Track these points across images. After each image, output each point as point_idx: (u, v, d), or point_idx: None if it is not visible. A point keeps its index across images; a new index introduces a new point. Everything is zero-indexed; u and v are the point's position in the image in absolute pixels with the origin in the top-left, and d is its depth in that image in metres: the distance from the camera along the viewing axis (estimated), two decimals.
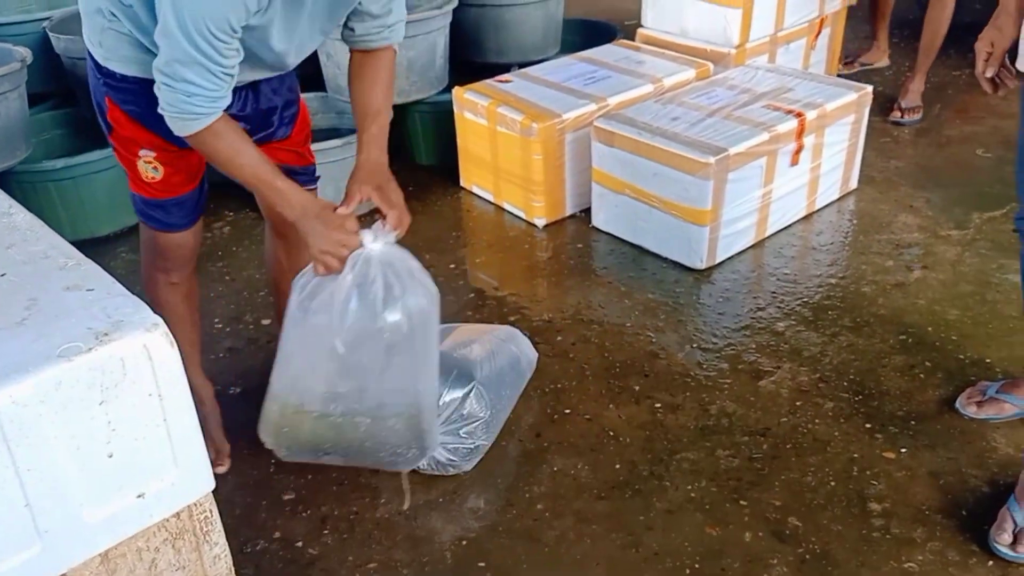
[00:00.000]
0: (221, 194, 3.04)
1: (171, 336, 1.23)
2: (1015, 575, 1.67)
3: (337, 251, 1.56)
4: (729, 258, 2.71)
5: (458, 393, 1.88)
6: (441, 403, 1.86)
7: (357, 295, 1.55)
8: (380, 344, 1.58)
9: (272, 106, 1.77)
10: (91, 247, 2.70)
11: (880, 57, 4.13)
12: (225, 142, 1.54)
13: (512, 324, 2.42)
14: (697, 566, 1.72)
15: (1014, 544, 1.68)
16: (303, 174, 1.89)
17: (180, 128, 1.50)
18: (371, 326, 1.56)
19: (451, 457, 1.89)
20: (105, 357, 1.17)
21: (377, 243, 1.58)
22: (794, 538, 1.77)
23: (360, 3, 1.62)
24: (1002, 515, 1.73)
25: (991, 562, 1.70)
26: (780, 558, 1.72)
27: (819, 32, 3.65)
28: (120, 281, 1.29)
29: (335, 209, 1.61)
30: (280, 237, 2.05)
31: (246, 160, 1.56)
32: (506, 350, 2.08)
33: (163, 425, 1.27)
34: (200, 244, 1.89)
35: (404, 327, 1.58)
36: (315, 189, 1.96)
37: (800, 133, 2.71)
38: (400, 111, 3.18)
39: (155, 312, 1.24)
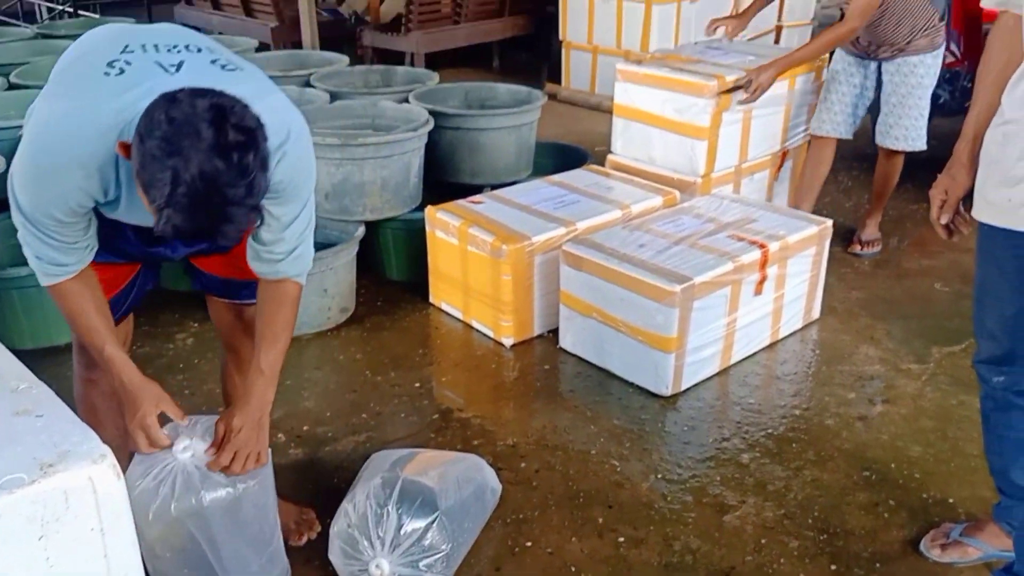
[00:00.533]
0: (186, 303, 3.03)
1: (118, 467, 1.19)
2: None
3: (136, 436, 1.57)
4: (695, 385, 2.72)
5: (420, 523, 1.83)
6: (402, 533, 1.81)
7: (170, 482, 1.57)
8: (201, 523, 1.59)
9: None
10: (50, 356, 2.67)
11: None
12: (68, 302, 1.59)
13: (476, 448, 2.38)
14: None
15: None
16: (245, 288, 1.83)
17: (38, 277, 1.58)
18: (187, 508, 1.57)
19: None
20: (48, 490, 1.12)
21: (186, 454, 1.59)
22: None
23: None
24: None
25: None
26: None
27: (781, 165, 3.79)
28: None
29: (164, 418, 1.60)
30: (231, 351, 2.02)
31: (82, 323, 1.61)
32: (471, 480, 2.04)
33: (103, 561, 1.21)
34: (126, 344, 1.84)
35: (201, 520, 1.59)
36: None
37: (764, 264, 2.77)
38: (373, 227, 3.22)
39: (78, 414, 1.23)
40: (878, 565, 2.02)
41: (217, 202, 1.25)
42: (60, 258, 1.53)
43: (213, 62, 1.48)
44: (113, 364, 1.60)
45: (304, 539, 2.05)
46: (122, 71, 1.41)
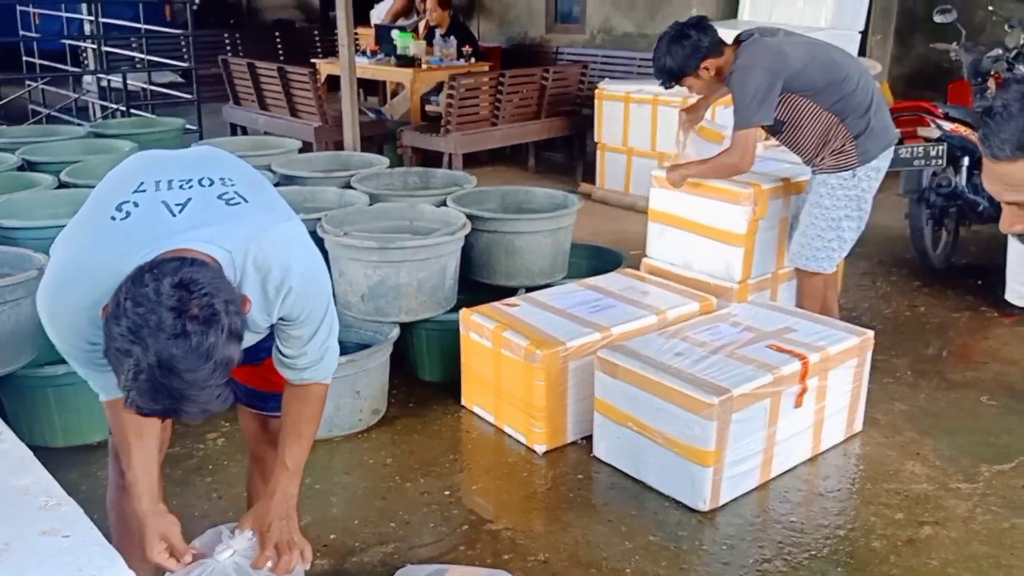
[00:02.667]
0: None
1: None
2: None
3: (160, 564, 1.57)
4: (733, 500, 2.63)
5: None
6: None
7: None
8: None
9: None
10: (82, 454, 2.67)
11: None
12: (112, 416, 1.61)
13: (506, 562, 2.31)
14: None
15: None
16: (272, 399, 1.84)
17: None
18: None
19: None
20: None
21: (226, 554, 1.59)
22: None
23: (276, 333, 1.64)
24: None
25: None
26: None
27: None
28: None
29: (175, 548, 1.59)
30: (256, 459, 2.02)
31: (119, 439, 1.63)
32: None
33: None
34: (165, 446, 1.83)
35: None
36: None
37: (804, 376, 2.71)
38: (407, 327, 3.22)
39: (109, 519, 1.22)
40: None
41: (177, 386, 1.27)
42: (99, 379, 1.54)
43: (220, 196, 1.50)
44: (132, 488, 1.61)
45: None
46: (128, 214, 1.46)
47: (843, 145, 3.13)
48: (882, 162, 3.18)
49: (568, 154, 6.97)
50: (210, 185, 1.52)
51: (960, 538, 2.47)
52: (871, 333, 2.96)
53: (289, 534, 1.65)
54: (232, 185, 1.54)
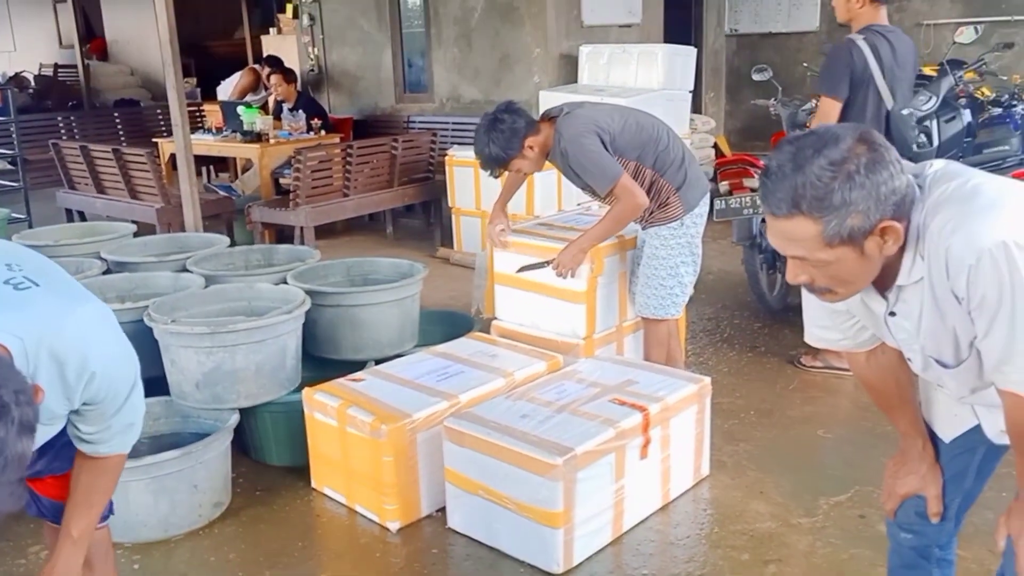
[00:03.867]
0: None
1: None
2: None
3: None
4: (588, 559, 2.62)
5: None
6: None
7: None
8: None
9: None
10: None
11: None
12: None
13: None
14: None
15: None
16: None
17: None
18: None
19: None
20: None
21: None
22: None
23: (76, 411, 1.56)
24: None
25: None
26: None
27: None
28: None
29: None
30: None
31: None
32: None
33: None
34: None
35: None
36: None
37: (646, 427, 2.77)
38: (251, 412, 3.10)
39: None
40: None
41: None
42: None
43: (8, 282, 1.43)
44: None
45: None
46: None
47: (668, 199, 3.28)
48: (703, 208, 3.37)
49: (426, 220, 7.00)
50: None
51: (804, 574, 2.55)
52: (708, 380, 3.06)
53: None
54: (20, 270, 1.47)
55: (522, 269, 3.50)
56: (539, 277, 3.52)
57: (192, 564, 2.66)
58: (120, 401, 1.56)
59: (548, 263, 3.40)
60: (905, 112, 3.70)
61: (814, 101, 5.18)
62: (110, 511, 1.85)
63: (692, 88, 6.86)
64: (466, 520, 2.77)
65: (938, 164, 1.48)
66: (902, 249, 1.43)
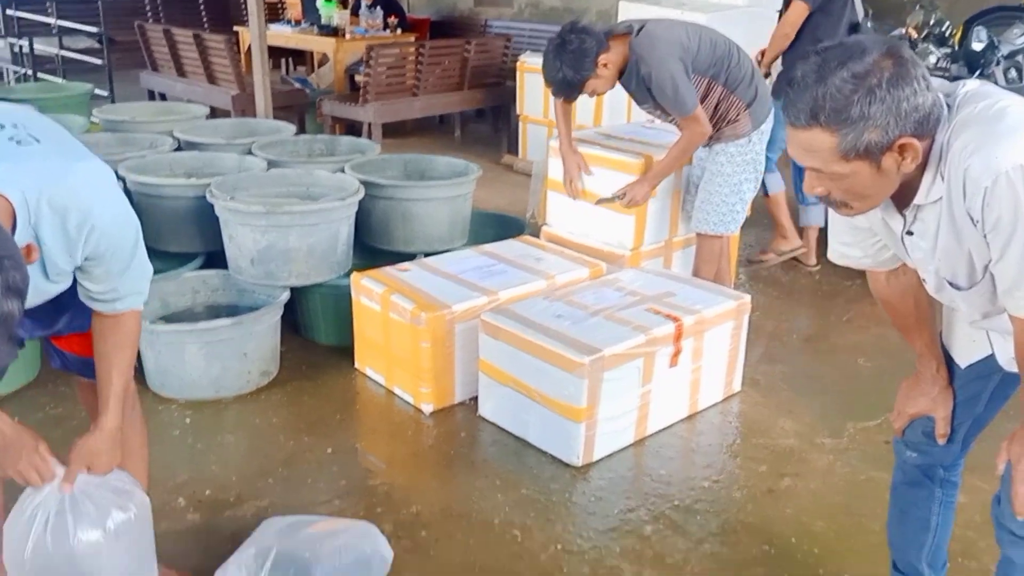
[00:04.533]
0: None
1: None
2: None
3: (29, 474, 1.60)
4: (608, 456, 2.72)
5: None
6: None
7: (44, 520, 1.60)
8: (73, 567, 1.62)
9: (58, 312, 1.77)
10: None
11: (794, 245, 4.24)
12: None
13: (378, 515, 2.37)
14: None
15: None
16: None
17: None
18: (61, 549, 1.60)
19: None
20: None
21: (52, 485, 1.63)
22: None
23: (81, 268, 1.59)
24: None
25: None
26: None
27: None
28: None
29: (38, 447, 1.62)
30: None
31: None
32: (356, 549, 2.03)
33: None
34: None
35: (97, 550, 1.63)
36: None
37: (678, 337, 2.81)
38: (302, 292, 3.25)
39: None
40: None
41: None
42: None
43: (11, 139, 1.46)
44: None
45: None
46: None
47: (737, 115, 3.24)
48: (768, 124, 3.31)
49: (494, 126, 7.00)
50: (0, 129, 1.48)
51: (817, 489, 2.60)
52: (748, 297, 3.07)
53: (110, 466, 1.67)
54: (24, 129, 1.50)
55: (598, 203, 3.49)
56: (590, 186, 3.53)
57: (238, 423, 2.86)
58: (125, 259, 1.60)
59: (620, 197, 3.39)
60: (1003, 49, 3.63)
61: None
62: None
63: (779, 8, 6.58)
64: (496, 409, 2.89)
65: (971, 84, 1.45)
66: (923, 168, 1.41)
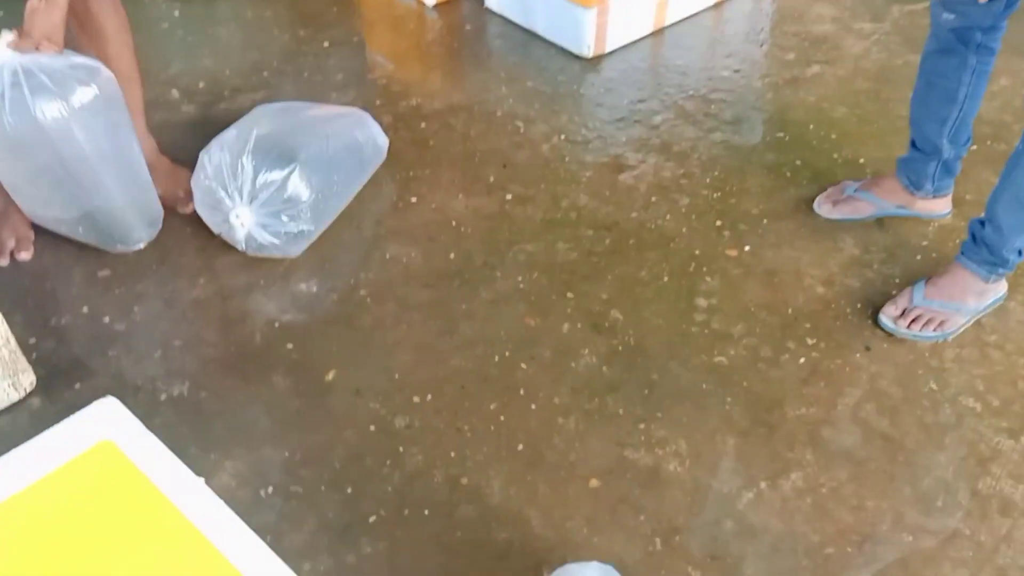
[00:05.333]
0: None
1: None
2: (821, 371, 1.65)
3: None
4: (622, 47, 2.53)
5: (277, 175, 1.77)
6: (258, 184, 1.77)
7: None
8: (46, 147, 1.59)
9: None
10: None
11: None
12: None
13: (377, 107, 2.28)
14: (507, 354, 1.70)
15: (898, 318, 1.69)
16: None
17: None
18: (26, 125, 1.56)
19: (273, 240, 1.82)
20: None
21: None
22: (611, 330, 1.74)
23: None
24: (903, 293, 1.72)
25: (802, 359, 1.68)
26: (592, 348, 1.70)
27: None
28: None
29: None
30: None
31: None
32: (346, 135, 1.96)
33: None
34: None
35: (65, 126, 1.59)
36: None
37: None
38: None
39: None
40: (765, 222, 1.97)
41: None
42: None
43: None
44: None
45: (192, 207, 2.01)
46: None
47: None
48: None
49: None
50: None
51: (846, 75, 2.41)
52: None
53: (50, 26, 1.56)
54: None
55: None
56: None
57: (230, 16, 2.68)
58: None
59: None
60: None
61: None
62: None
63: None
64: (504, 1, 2.65)
65: None
66: None
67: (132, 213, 1.82)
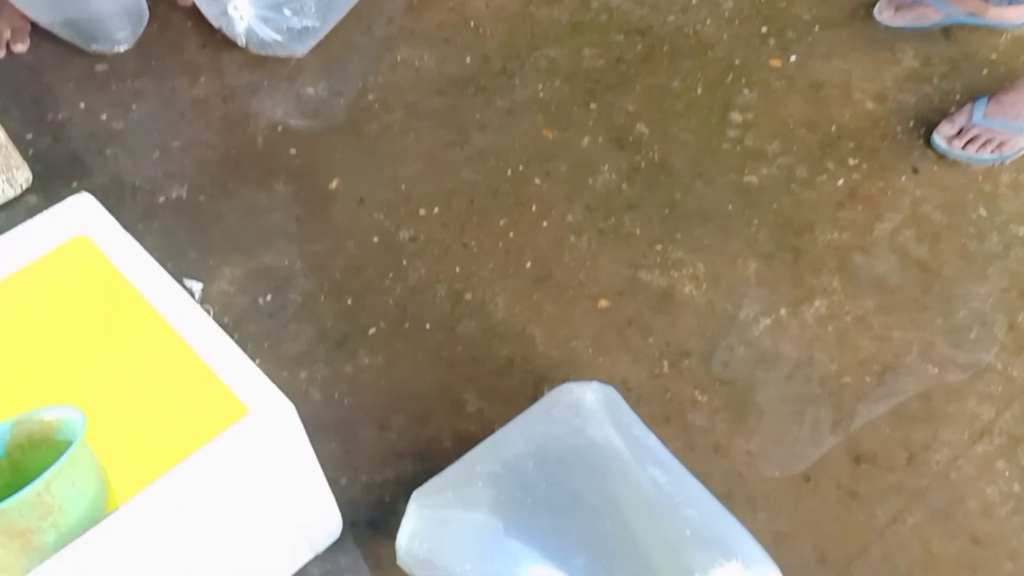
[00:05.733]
0: None
1: None
2: (861, 194, 1.52)
3: None
4: None
5: None
6: None
7: None
8: None
9: None
10: None
11: None
12: None
13: None
14: (521, 167, 1.59)
15: (953, 138, 1.54)
16: None
17: None
18: None
19: (275, 36, 1.69)
20: None
21: None
22: (635, 145, 1.61)
23: None
24: (961, 111, 1.56)
25: (840, 181, 1.54)
26: (612, 164, 1.58)
27: None
28: None
29: None
30: None
31: None
32: None
33: None
34: None
35: None
36: None
37: None
38: None
39: None
40: (816, 29, 1.78)
41: None
42: None
43: None
44: None
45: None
46: None
47: None
48: None
49: None
50: None
51: None
52: None
53: None
54: None
55: None
56: None
57: None
58: None
59: None
60: None
61: None
62: None
63: None
64: None
65: None
66: None
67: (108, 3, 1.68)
